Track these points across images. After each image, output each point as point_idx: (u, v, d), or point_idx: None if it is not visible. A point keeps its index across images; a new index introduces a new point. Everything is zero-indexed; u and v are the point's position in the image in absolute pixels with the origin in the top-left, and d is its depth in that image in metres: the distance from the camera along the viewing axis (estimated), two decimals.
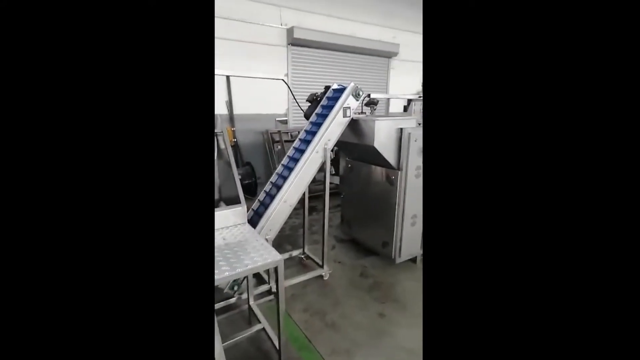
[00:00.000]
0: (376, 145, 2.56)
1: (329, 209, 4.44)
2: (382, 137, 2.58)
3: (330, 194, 5.03)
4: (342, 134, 2.75)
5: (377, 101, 4.00)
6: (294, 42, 5.44)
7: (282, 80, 3.13)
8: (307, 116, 2.77)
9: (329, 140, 2.50)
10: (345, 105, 2.53)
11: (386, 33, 6.54)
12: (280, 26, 5.38)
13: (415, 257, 3.05)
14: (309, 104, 2.83)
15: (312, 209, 4.67)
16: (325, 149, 2.48)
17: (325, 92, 2.76)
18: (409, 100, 3.91)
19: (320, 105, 2.71)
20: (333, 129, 2.51)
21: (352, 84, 2.55)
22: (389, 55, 6.66)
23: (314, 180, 5.95)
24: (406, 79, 7.17)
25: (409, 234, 2.87)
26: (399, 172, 2.69)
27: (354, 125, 2.70)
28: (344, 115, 2.54)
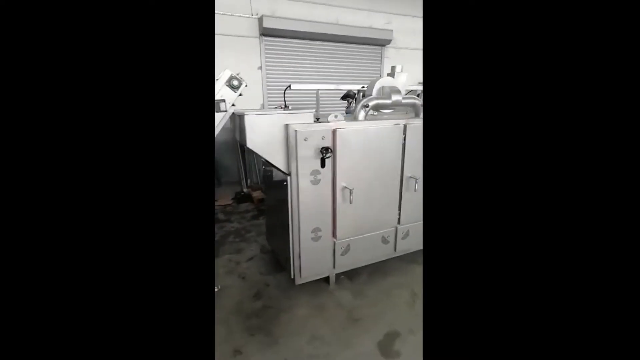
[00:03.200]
0: (250, 144, 2.12)
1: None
2: (258, 134, 2.13)
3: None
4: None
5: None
6: (265, 32, 5.09)
7: None
8: None
9: None
10: (218, 98, 2.14)
11: (377, 18, 5.89)
12: (250, 16, 5.06)
13: (328, 276, 2.57)
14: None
15: (261, 212, 4.32)
16: None
17: None
18: (355, 93, 3.34)
19: None
20: None
21: (227, 72, 2.15)
22: (381, 43, 6.00)
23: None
24: (405, 69, 6.43)
25: (312, 250, 2.40)
26: (289, 177, 2.23)
27: (239, 122, 2.30)
28: (217, 110, 2.15)
